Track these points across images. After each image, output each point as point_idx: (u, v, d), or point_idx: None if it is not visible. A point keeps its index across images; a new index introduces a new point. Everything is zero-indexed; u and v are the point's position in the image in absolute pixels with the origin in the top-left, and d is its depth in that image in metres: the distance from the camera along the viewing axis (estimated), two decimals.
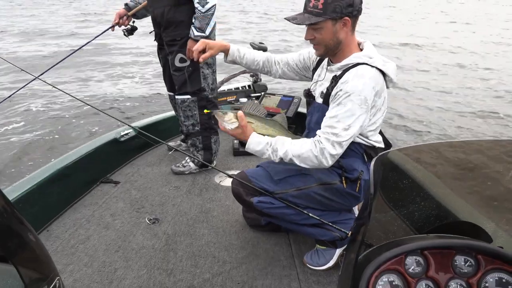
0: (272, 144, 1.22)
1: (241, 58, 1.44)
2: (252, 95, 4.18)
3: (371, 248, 0.71)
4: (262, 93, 4.09)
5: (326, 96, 1.26)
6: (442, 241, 0.68)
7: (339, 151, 1.20)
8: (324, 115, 1.28)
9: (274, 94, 3.47)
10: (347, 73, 1.19)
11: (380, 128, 1.32)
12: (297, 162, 1.21)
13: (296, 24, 1.15)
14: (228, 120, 1.22)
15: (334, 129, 1.16)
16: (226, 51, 1.42)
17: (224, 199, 2.04)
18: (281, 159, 1.24)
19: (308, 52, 1.45)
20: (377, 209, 0.76)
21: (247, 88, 4.11)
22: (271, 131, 1.28)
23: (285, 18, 1.18)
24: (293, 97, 3.46)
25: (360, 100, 1.14)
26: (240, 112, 1.23)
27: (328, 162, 1.20)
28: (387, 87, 1.26)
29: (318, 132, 1.22)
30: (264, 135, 1.26)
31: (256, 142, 1.23)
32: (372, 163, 0.72)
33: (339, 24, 1.18)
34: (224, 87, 3.81)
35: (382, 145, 1.34)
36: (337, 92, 1.17)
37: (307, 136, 1.42)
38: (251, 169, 1.54)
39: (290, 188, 1.35)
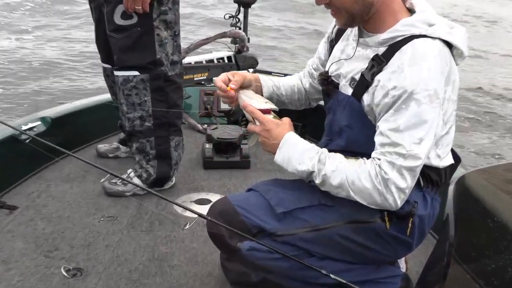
0: (320, 152, 1.28)
1: (278, 88, 1.58)
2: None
3: None
4: (250, 70, 4.12)
5: (361, 85, 1.26)
6: None
7: (409, 182, 1.19)
8: (357, 115, 1.29)
9: (270, 73, 3.50)
10: (397, 56, 1.20)
11: (453, 132, 1.34)
12: (347, 192, 1.25)
13: None
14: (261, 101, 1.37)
15: (399, 147, 1.17)
16: (258, 86, 1.54)
17: (190, 238, 2.03)
18: (322, 182, 1.26)
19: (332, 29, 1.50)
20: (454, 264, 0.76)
21: (226, 61, 4.12)
22: None
23: None
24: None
25: (429, 96, 1.15)
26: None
27: (396, 201, 1.20)
28: (456, 64, 1.27)
29: (374, 155, 1.22)
30: None
31: (296, 141, 1.33)
32: (452, 189, 0.71)
33: None
34: (190, 59, 3.80)
35: (448, 161, 1.35)
36: (387, 91, 1.19)
37: (327, 145, 1.42)
38: (239, 195, 1.52)
39: (301, 228, 1.35)
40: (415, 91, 1.14)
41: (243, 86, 1.46)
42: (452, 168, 1.38)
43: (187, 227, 1.36)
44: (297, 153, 1.28)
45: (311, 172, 1.26)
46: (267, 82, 1.56)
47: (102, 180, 1.49)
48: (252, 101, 1.38)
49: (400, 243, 1.36)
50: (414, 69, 1.15)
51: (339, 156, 1.26)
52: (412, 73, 1.15)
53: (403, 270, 1.56)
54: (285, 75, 3.33)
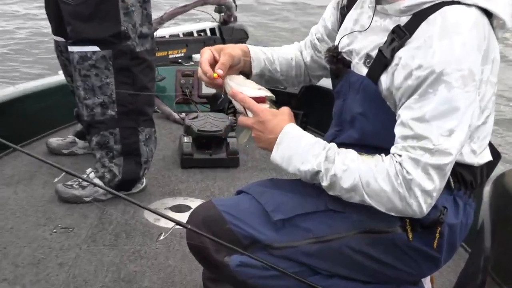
0: (327, 147, 1.28)
1: (271, 62, 1.58)
2: None
3: None
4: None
5: (378, 63, 1.27)
6: None
7: (438, 183, 1.19)
8: (372, 99, 1.29)
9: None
10: (424, 28, 1.20)
11: (492, 122, 1.33)
12: (361, 196, 1.23)
13: None
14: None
15: (424, 141, 1.17)
16: (246, 57, 1.52)
17: (165, 254, 2.03)
18: (330, 184, 1.25)
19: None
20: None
21: (208, 34, 4.12)
22: None
23: None
24: None
25: (462, 77, 1.14)
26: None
27: (421, 206, 1.19)
28: (497, 38, 1.27)
29: (394, 150, 1.22)
30: None
31: (299, 134, 1.33)
32: (488, 190, 0.72)
33: None
34: (164, 31, 3.79)
35: (486, 158, 1.35)
36: (411, 71, 1.18)
37: (336, 138, 1.43)
38: (226, 199, 1.54)
39: (304, 239, 1.35)
40: (445, 72, 1.13)
41: (232, 67, 1.44)
42: (490, 166, 1.38)
43: (161, 238, 1.33)
44: (299, 149, 1.27)
45: (317, 172, 1.25)
46: (258, 55, 1.53)
47: (56, 180, 1.46)
48: (242, 88, 1.37)
49: (425, 258, 1.35)
50: (445, 44, 1.15)
51: (351, 153, 1.25)
52: (442, 49, 1.15)
53: None
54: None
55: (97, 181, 2.35)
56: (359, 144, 1.33)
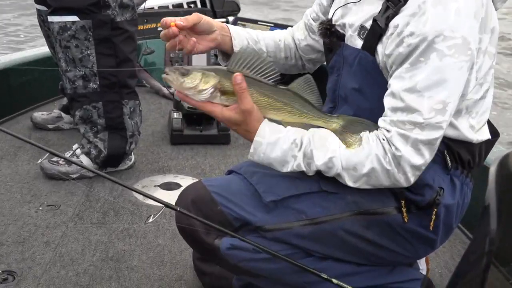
0: (304, 144, 1.22)
1: (256, 42, 1.52)
2: None
3: None
4: (230, 18, 4.07)
5: (373, 33, 1.25)
6: None
7: (427, 157, 1.20)
8: (370, 75, 1.27)
9: (255, 22, 3.46)
10: None
11: (491, 96, 1.33)
12: (350, 180, 1.23)
13: None
14: (196, 88, 1.19)
15: (415, 114, 1.16)
16: (225, 37, 1.47)
17: (155, 233, 2.03)
18: (319, 172, 1.23)
19: None
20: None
21: (199, 5, 4.07)
22: (286, 114, 1.26)
23: None
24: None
25: (455, 45, 1.13)
26: (238, 76, 1.18)
27: (409, 179, 1.21)
28: (496, 8, 1.26)
29: (382, 123, 1.21)
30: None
31: (273, 140, 1.23)
32: (494, 171, 0.71)
33: None
34: (152, 2, 3.73)
35: (484, 135, 1.35)
36: (402, 38, 1.17)
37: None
38: (217, 179, 1.51)
39: (296, 220, 1.34)
40: (437, 39, 1.12)
41: (198, 31, 1.37)
42: (488, 144, 1.37)
43: (150, 220, 1.32)
44: (276, 157, 1.24)
45: (301, 171, 1.26)
46: (240, 33, 1.48)
47: (40, 160, 1.44)
48: (186, 87, 1.19)
49: (421, 240, 1.36)
50: (438, 10, 1.12)
51: (330, 140, 1.22)
52: (435, 15, 1.12)
53: (423, 272, 1.56)
54: (275, 25, 3.34)
55: (83, 158, 2.34)
56: None
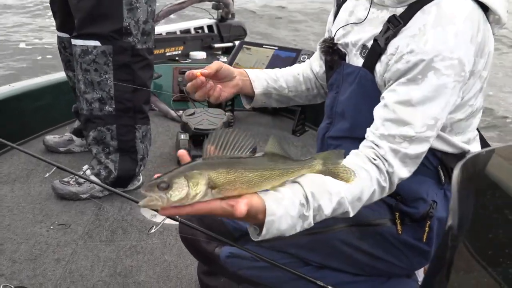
0: (310, 201, 1.08)
1: (275, 80, 1.53)
2: (216, 45, 4.24)
3: None
4: (236, 42, 4.13)
5: (373, 52, 1.28)
6: None
7: (412, 170, 1.19)
8: (368, 92, 1.29)
9: (260, 46, 3.52)
10: (419, 16, 1.20)
11: (481, 113, 1.34)
12: (353, 211, 1.15)
13: None
14: (188, 197, 0.95)
15: (406, 127, 1.16)
16: (245, 81, 1.47)
17: (161, 249, 2.06)
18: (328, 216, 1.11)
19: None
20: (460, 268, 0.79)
21: (206, 31, 4.14)
22: (277, 179, 1.06)
23: None
24: (299, 50, 3.48)
25: (452, 66, 1.15)
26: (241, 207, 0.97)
27: (393, 189, 1.19)
28: (493, 33, 1.25)
29: (372, 137, 1.19)
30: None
31: (282, 213, 1.04)
32: (456, 174, 0.73)
33: None
34: (161, 28, 3.81)
35: (477, 149, 1.37)
36: (402, 56, 1.18)
37: (327, 131, 1.44)
38: None
39: None
40: (436, 59, 1.14)
41: (220, 77, 1.38)
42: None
43: (152, 230, 1.36)
44: (288, 224, 1.06)
45: (311, 224, 1.10)
46: (258, 75, 1.49)
47: (47, 175, 1.48)
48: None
49: (415, 252, 1.35)
50: (438, 31, 1.15)
51: (327, 183, 1.09)
52: (435, 36, 1.15)
53: (420, 281, 1.56)
54: (279, 48, 3.40)
55: (93, 178, 2.38)
56: (350, 136, 1.34)
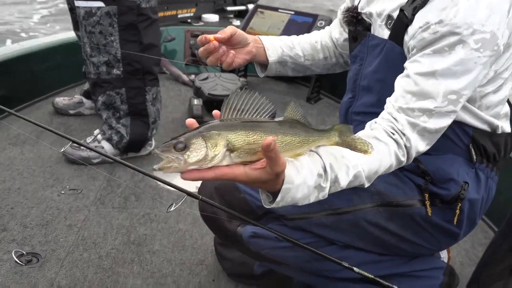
0: (328, 172, 1.06)
1: (291, 48, 1.49)
2: (229, 8, 4.17)
3: None
4: (249, 5, 4.06)
5: (399, 23, 1.23)
6: None
7: (431, 144, 1.18)
8: (395, 66, 1.24)
9: (275, 10, 3.44)
10: None
11: (508, 89, 1.30)
12: (368, 183, 1.14)
13: None
14: (207, 158, 0.91)
15: (427, 101, 1.14)
16: (259, 48, 1.43)
17: (176, 218, 2.06)
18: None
19: None
20: None
21: None
22: (297, 147, 1.04)
23: None
24: (316, 16, 3.41)
25: (483, 40, 1.11)
26: (270, 142, 0.90)
27: (410, 161, 1.18)
28: None
29: (390, 108, 1.17)
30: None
31: (300, 181, 1.02)
32: None
33: None
34: None
35: (509, 127, 1.34)
36: (429, 25, 1.15)
37: (351, 106, 1.41)
38: None
39: (319, 210, 1.34)
40: (466, 32, 1.10)
41: (234, 43, 1.34)
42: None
43: (172, 209, 1.19)
44: (304, 193, 1.04)
45: (326, 195, 1.09)
46: (273, 42, 1.45)
47: (62, 150, 1.45)
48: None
49: (444, 234, 1.36)
50: (471, 3, 1.10)
51: (345, 155, 1.08)
52: (467, 8, 1.10)
53: (445, 260, 1.57)
54: (296, 12, 3.32)
55: (105, 143, 2.37)
56: (376, 112, 1.29)
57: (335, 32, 1.54)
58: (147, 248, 1.87)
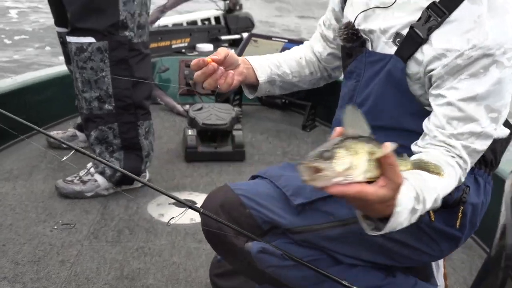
0: (420, 196, 1.06)
1: (278, 66, 1.50)
2: (223, 37, 4.21)
3: None
4: (244, 34, 4.10)
5: (410, 41, 1.24)
6: None
7: (474, 162, 1.23)
8: (395, 82, 1.26)
9: (269, 38, 3.47)
10: (467, 7, 1.18)
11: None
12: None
13: None
14: (349, 170, 0.90)
15: (473, 124, 1.19)
16: (249, 69, 1.44)
17: (170, 251, 2.04)
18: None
19: None
20: None
21: (213, 22, 4.11)
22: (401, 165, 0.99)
23: None
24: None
25: None
26: (389, 149, 0.91)
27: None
28: None
29: (441, 137, 1.19)
30: None
31: (410, 206, 1.03)
32: (509, 183, 0.69)
33: None
34: (167, 20, 3.77)
35: (503, 131, 1.36)
36: (462, 52, 1.16)
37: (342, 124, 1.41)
38: (242, 183, 1.50)
39: (325, 222, 1.35)
40: (498, 52, 1.14)
41: (227, 64, 1.35)
42: (505, 142, 1.38)
43: (172, 222, 1.26)
44: (405, 217, 1.04)
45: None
46: (260, 62, 1.46)
47: (65, 158, 1.43)
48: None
49: (447, 238, 1.36)
50: (497, 23, 1.15)
51: (426, 178, 1.08)
52: (495, 28, 1.15)
53: (441, 272, 1.56)
54: (289, 40, 3.36)
55: (98, 177, 2.36)
56: (372, 126, 1.31)
57: (317, 46, 1.56)
58: (140, 282, 1.85)
